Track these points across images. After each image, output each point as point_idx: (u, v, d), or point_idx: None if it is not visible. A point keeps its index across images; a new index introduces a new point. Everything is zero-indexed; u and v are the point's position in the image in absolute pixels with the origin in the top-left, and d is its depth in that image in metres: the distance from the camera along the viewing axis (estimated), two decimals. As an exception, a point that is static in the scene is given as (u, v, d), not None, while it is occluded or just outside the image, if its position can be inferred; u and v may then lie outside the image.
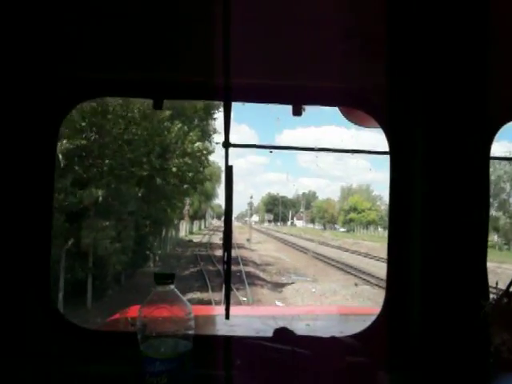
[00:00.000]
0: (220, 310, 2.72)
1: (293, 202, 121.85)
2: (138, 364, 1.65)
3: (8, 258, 2.12)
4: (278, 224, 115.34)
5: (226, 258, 1.90)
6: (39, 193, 2.19)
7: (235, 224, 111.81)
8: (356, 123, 2.61)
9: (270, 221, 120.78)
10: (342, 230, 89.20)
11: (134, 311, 3.18)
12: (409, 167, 2.07)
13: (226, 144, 1.95)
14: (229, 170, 1.89)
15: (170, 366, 1.63)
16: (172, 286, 1.69)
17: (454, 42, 1.89)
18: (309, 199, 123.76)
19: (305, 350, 1.97)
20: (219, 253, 31.13)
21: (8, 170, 2.12)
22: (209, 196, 67.60)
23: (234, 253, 30.69)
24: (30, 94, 2.15)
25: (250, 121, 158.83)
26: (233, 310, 2.04)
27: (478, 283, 1.95)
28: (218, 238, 52.61)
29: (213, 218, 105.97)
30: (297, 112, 2.35)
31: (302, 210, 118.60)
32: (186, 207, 47.02)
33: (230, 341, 2.16)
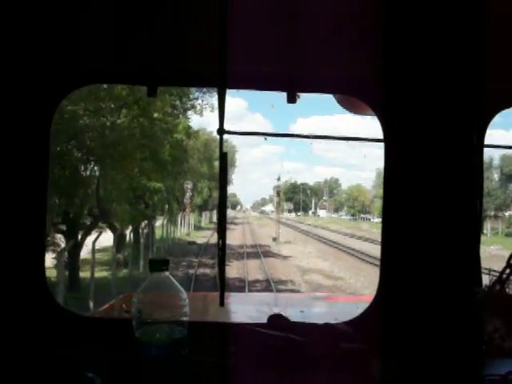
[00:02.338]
0: (215, 297, 2.72)
1: (315, 190, 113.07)
2: (133, 350, 1.66)
3: (2, 247, 2.11)
4: (299, 214, 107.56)
5: (220, 245, 1.90)
6: (34, 180, 2.18)
7: (252, 214, 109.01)
8: (351, 111, 2.61)
9: (290, 210, 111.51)
10: (378, 220, 69.96)
11: (128, 298, 3.18)
12: (403, 155, 2.07)
13: (221, 131, 1.94)
14: (223, 157, 1.89)
15: (165, 352, 1.63)
16: (167, 273, 1.69)
17: (449, 31, 1.89)
18: (331, 186, 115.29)
19: (299, 336, 1.99)
20: (241, 271, 24.14)
21: (1, 159, 2.11)
22: None
23: (259, 266, 26.48)
24: (23, 82, 2.14)
25: (264, 110, 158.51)
26: (227, 296, 2.05)
27: (471, 270, 1.97)
28: (235, 236, 43.10)
29: (227, 207, 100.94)
30: (291, 99, 2.35)
31: (325, 198, 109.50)
32: (187, 194, 41.24)
33: (224, 327, 2.17)
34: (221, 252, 1.91)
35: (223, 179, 1.92)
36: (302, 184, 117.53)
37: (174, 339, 1.66)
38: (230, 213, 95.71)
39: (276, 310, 2.22)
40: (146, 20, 2.00)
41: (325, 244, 39.18)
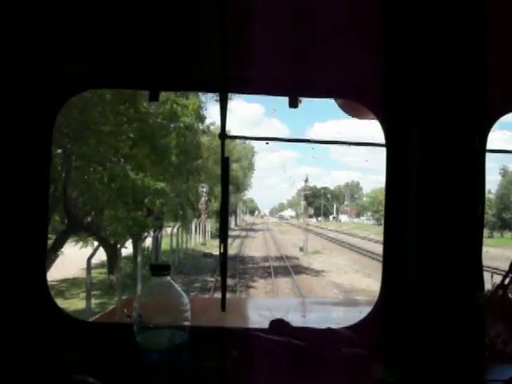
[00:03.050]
0: (216, 301, 2.73)
1: (335, 194, 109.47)
2: (134, 355, 1.66)
3: (3, 249, 2.11)
4: (320, 219, 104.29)
5: (222, 249, 1.90)
6: (35, 182, 2.18)
7: (271, 220, 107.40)
8: (352, 115, 2.61)
9: (310, 215, 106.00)
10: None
11: (130, 303, 3.17)
12: (405, 159, 2.07)
13: (223, 136, 1.94)
14: (225, 162, 1.89)
15: (167, 357, 1.63)
16: (168, 278, 1.69)
17: (451, 35, 1.88)
18: (352, 190, 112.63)
19: (300, 341, 1.98)
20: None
21: (3, 163, 2.12)
22: (239, 186, 54.05)
23: (291, 287, 20.79)
24: (25, 86, 2.14)
25: (281, 115, 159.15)
26: (229, 301, 2.04)
27: (473, 275, 1.96)
28: (257, 245, 40.20)
29: (245, 213, 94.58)
30: (293, 104, 2.35)
31: (346, 202, 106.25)
32: (203, 199, 36.91)
33: (225, 332, 2.17)
34: (222, 256, 1.91)
35: (225, 184, 1.92)
36: (323, 188, 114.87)
37: (175, 344, 1.65)
38: (248, 219, 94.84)
39: (277, 315, 2.21)
40: (148, 25, 2.01)
41: (359, 254, 33.79)
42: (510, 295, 1.98)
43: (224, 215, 1.94)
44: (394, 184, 2.17)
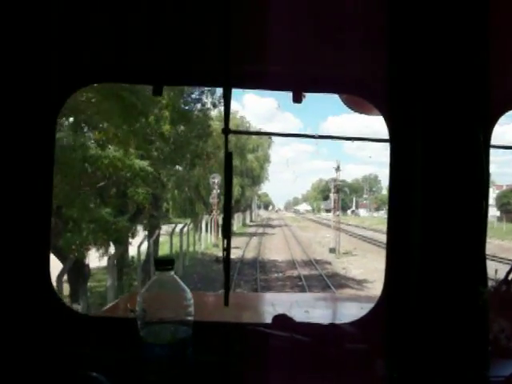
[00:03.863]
0: (219, 296, 2.72)
1: (354, 188, 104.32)
2: (137, 350, 1.66)
3: (7, 244, 2.12)
4: (337, 213, 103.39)
5: (225, 245, 1.90)
6: (39, 180, 2.18)
7: (286, 214, 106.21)
8: (356, 110, 2.60)
9: (327, 210, 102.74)
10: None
11: (133, 298, 3.18)
12: (409, 155, 2.07)
13: (226, 131, 1.94)
14: (228, 157, 1.89)
15: (170, 352, 1.64)
16: (172, 272, 1.69)
17: (454, 31, 1.88)
18: (371, 184, 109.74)
19: (303, 336, 1.98)
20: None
21: (6, 161, 2.12)
22: (256, 179, 48.94)
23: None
24: (28, 80, 2.14)
25: (294, 109, 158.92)
26: (232, 296, 2.05)
27: (476, 270, 1.96)
28: (277, 245, 34.44)
29: (260, 208, 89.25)
30: (297, 99, 2.34)
31: (365, 196, 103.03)
32: (214, 191, 31.61)
33: (229, 327, 2.17)
34: (225, 252, 1.91)
35: (228, 179, 1.92)
36: (341, 181, 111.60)
37: (178, 339, 1.66)
38: (263, 213, 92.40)
39: (280, 311, 2.21)
40: (151, 19, 2.00)
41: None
42: None
43: (227, 211, 1.94)
44: (398, 179, 2.17)
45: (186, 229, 25.57)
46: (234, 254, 25.82)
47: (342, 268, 25.29)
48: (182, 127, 18.77)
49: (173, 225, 26.37)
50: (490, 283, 1.96)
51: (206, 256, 27.39)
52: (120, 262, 18.53)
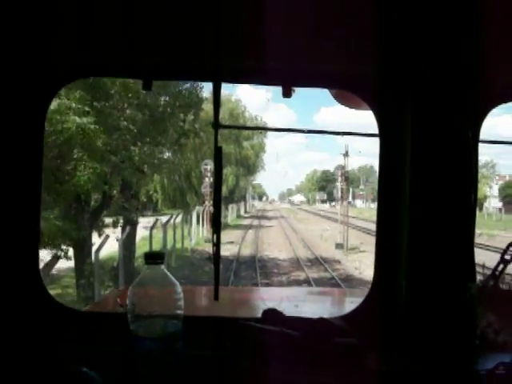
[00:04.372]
0: (209, 290, 2.73)
1: (350, 178, 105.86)
2: (127, 344, 1.66)
3: None
4: (333, 204, 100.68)
5: (215, 240, 1.91)
6: (27, 174, 2.17)
7: (281, 206, 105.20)
8: (346, 105, 2.60)
9: (323, 201, 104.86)
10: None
11: (123, 293, 3.17)
12: (398, 149, 2.08)
13: (216, 125, 1.94)
14: (218, 151, 1.89)
15: (160, 345, 1.64)
16: (162, 266, 1.69)
17: (444, 27, 1.89)
18: (367, 174, 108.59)
19: (293, 331, 1.99)
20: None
21: None
22: (251, 168, 45.93)
23: None
24: (16, 75, 2.12)
25: (288, 101, 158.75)
26: (222, 290, 2.05)
27: (465, 265, 1.98)
28: (276, 240, 31.32)
29: (254, 198, 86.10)
30: (287, 94, 2.34)
31: (361, 186, 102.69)
32: (206, 180, 28.16)
33: (219, 322, 2.17)
34: (215, 247, 1.92)
35: (218, 173, 1.92)
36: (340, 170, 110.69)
37: (168, 332, 1.66)
38: (257, 204, 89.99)
39: (270, 305, 2.21)
40: (140, 13, 1.99)
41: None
42: (501, 285, 2.00)
43: (217, 205, 1.94)
44: (387, 174, 2.18)
45: (172, 221, 22.99)
46: (229, 250, 24.39)
47: (354, 268, 22.78)
48: (162, 95, 14.46)
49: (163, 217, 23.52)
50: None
51: (196, 253, 24.46)
52: (80, 270, 15.16)
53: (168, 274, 1.70)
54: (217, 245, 1.91)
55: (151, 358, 1.63)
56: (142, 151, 14.80)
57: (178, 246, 24.49)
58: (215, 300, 1.98)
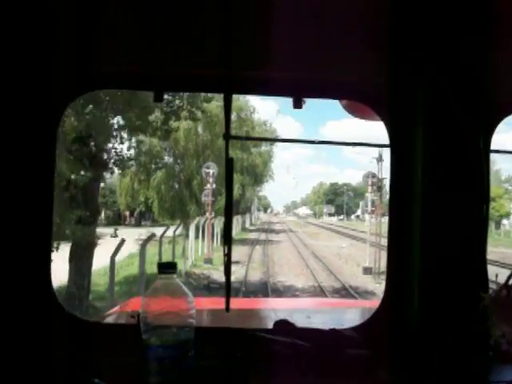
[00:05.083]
0: (220, 302, 2.74)
1: (359, 191, 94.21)
2: (139, 355, 1.66)
3: (8, 248, 2.12)
4: (341, 218, 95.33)
5: (226, 251, 1.91)
6: (40, 182, 2.18)
7: (288, 218, 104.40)
8: (356, 116, 2.61)
9: (330, 214, 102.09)
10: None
11: (133, 304, 3.18)
12: (409, 160, 2.08)
13: (227, 136, 1.95)
14: (229, 163, 1.89)
15: (173, 353, 1.64)
16: (174, 276, 1.70)
17: (454, 36, 1.89)
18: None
19: (305, 342, 1.98)
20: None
21: (8, 165, 2.12)
22: (258, 177, 42.98)
23: None
24: (31, 86, 2.15)
25: (295, 113, 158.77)
26: (233, 302, 2.05)
27: (477, 275, 1.96)
28: (288, 260, 26.63)
29: (259, 210, 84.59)
30: (297, 105, 2.35)
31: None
32: (208, 186, 23.43)
33: (230, 333, 2.17)
34: (226, 258, 1.92)
35: (229, 184, 1.93)
36: (345, 184, 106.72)
37: (181, 340, 1.66)
38: (262, 216, 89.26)
39: (282, 316, 2.21)
40: (152, 26, 2.01)
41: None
42: None
43: (228, 217, 1.94)
44: (399, 185, 2.18)
45: (167, 235, 19.53)
46: (234, 273, 19.03)
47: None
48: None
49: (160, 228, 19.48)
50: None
51: (192, 278, 19.52)
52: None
53: (181, 284, 1.71)
54: (228, 256, 1.91)
55: (163, 367, 1.64)
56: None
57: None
58: (226, 312, 1.98)
